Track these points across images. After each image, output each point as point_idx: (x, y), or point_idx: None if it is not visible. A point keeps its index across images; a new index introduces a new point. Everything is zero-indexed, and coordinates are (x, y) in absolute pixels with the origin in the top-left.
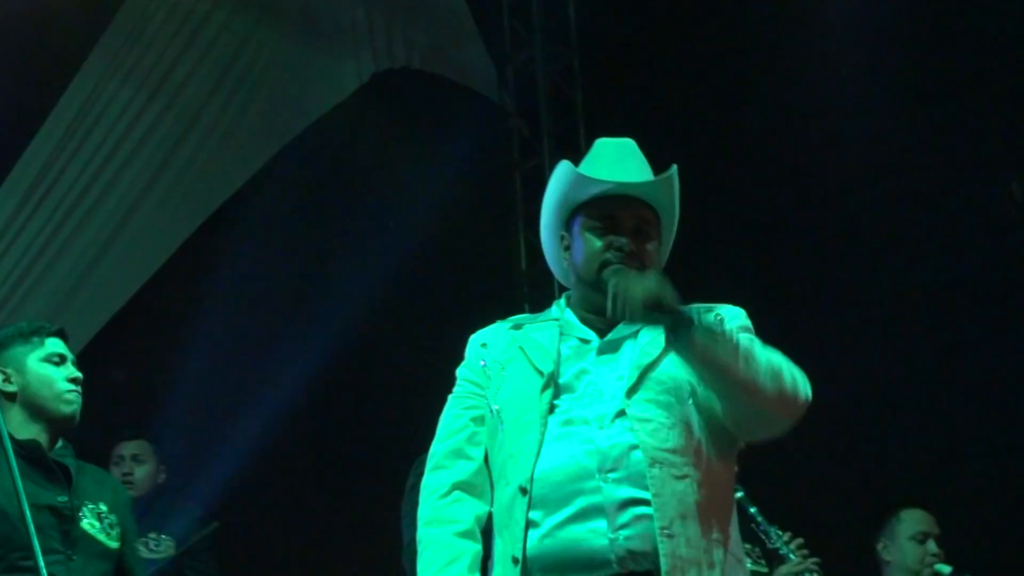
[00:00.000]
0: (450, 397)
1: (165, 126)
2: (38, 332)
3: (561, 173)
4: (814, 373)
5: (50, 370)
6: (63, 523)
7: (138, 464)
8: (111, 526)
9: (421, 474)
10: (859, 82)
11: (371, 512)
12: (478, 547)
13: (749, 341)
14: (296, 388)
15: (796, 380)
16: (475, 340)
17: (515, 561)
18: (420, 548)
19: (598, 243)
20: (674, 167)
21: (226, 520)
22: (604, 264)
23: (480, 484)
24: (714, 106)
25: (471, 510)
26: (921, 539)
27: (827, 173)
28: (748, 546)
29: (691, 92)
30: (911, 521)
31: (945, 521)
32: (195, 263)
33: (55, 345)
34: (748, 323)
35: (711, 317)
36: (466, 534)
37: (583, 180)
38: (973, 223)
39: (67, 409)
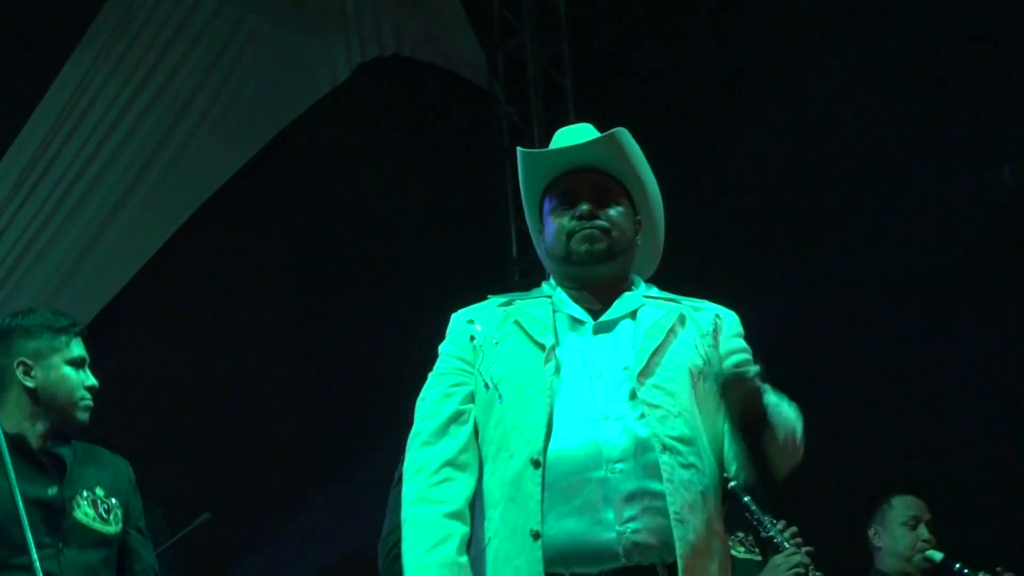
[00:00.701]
0: (431, 374)
1: (156, 113)
2: (67, 331)
3: (519, 160)
4: (807, 360)
5: (72, 375)
6: (53, 516)
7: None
8: (107, 511)
9: None
10: (851, 68)
11: (358, 501)
12: (466, 528)
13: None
14: (286, 377)
15: (800, 436)
16: (460, 316)
17: (535, 536)
18: (406, 527)
19: (562, 218)
20: (621, 129)
21: (216, 511)
22: (570, 234)
23: (469, 462)
24: (704, 92)
25: (461, 490)
26: (912, 525)
27: (819, 160)
28: (741, 534)
29: (681, 78)
30: (902, 507)
31: (937, 507)
32: (187, 252)
33: (79, 348)
34: (742, 330)
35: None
36: (455, 515)
37: (532, 158)
38: (964, 210)
39: (81, 416)
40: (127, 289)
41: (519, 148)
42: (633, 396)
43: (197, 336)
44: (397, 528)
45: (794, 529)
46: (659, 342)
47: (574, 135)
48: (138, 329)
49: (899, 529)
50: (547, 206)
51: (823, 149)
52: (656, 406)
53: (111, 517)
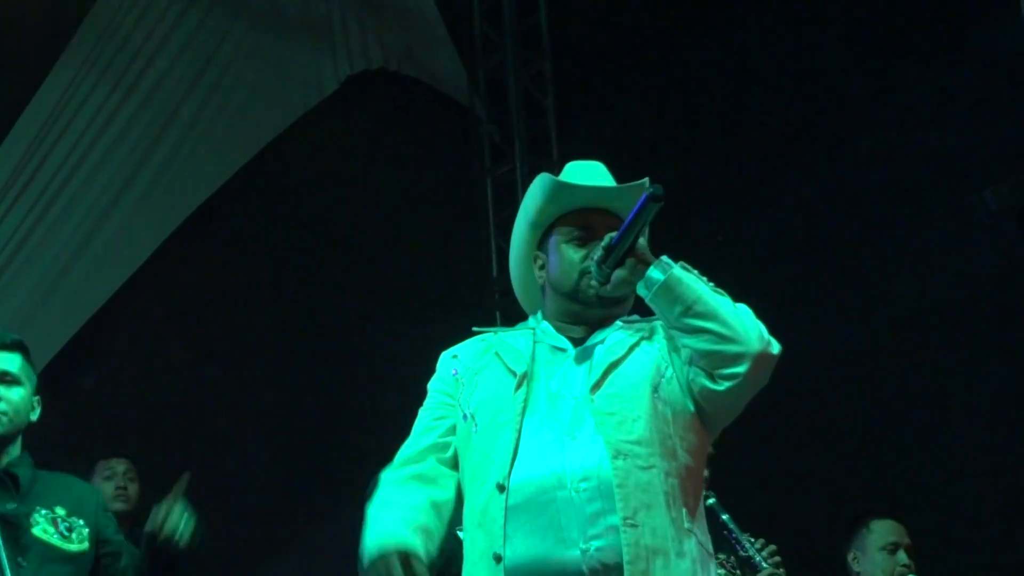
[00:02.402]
0: (420, 410)
1: (141, 125)
2: None
3: (539, 184)
4: (786, 384)
5: None
6: (11, 530)
7: (130, 481)
8: (69, 529)
9: None
10: (829, 85)
11: (337, 520)
12: (433, 520)
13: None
14: (268, 392)
15: (760, 325)
16: (447, 354)
17: (497, 559)
18: (369, 517)
19: (576, 254)
20: (646, 180)
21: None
22: (583, 273)
23: (442, 480)
24: (685, 111)
25: (429, 495)
26: (892, 550)
27: (802, 180)
28: (722, 555)
29: (662, 98)
30: (881, 531)
31: (915, 531)
32: (171, 266)
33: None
34: None
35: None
36: (421, 508)
37: (562, 189)
38: (946, 238)
39: None
40: (111, 302)
41: (549, 175)
42: (589, 410)
43: (179, 351)
44: None
45: (773, 548)
46: (618, 356)
47: (593, 173)
48: (121, 343)
49: (878, 554)
50: (557, 236)
51: (805, 170)
52: (611, 413)
53: (74, 536)
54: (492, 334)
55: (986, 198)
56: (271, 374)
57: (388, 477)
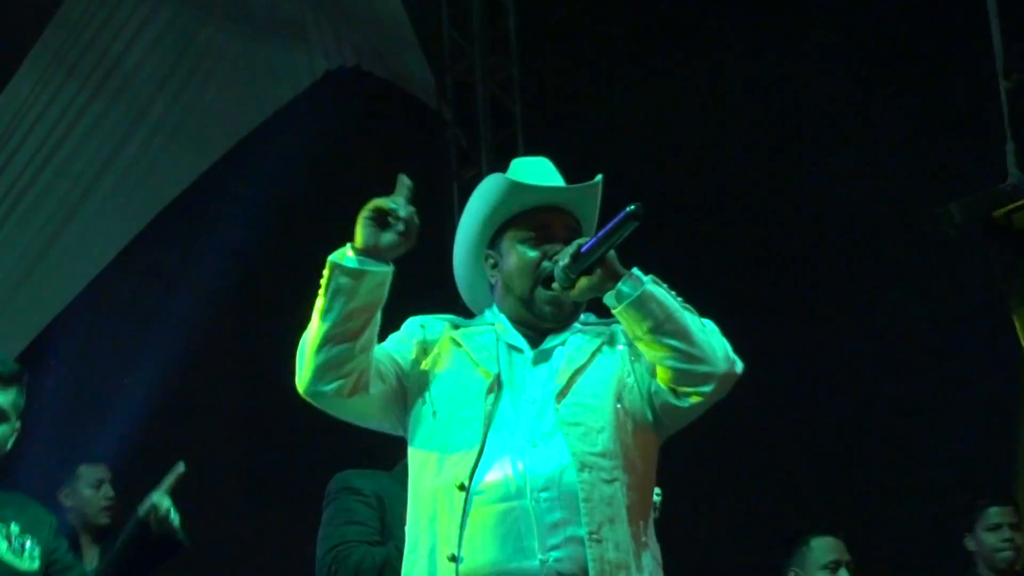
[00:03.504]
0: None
1: (110, 123)
2: None
3: (493, 184)
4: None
5: None
6: None
7: (112, 488)
8: (22, 547)
9: (341, 489)
10: (802, 98)
11: (305, 516)
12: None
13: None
14: (231, 394)
15: (726, 343)
16: (414, 320)
17: (452, 559)
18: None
19: (532, 254)
20: (601, 177)
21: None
22: (540, 276)
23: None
24: (654, 120)
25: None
26: (832, 567)
27: (769, 194)
28: None
29: (631, 106)
30: (822, 549)
31: (855, 549)
32: (139, 263)
33: None
34: None
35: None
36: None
37: (519, 189)
38: (911, 254)
39: None
40: (79, 299)
41: (501, 175)
42: (554, 419)
43: (143, 349)
44: (335, 548)
45: None
46: (581, 364)
47: (540, 170)
48: (87, 340)
49: (819, 573)
50: (511, 236)
51: (767, 175)
52: (576, 424)
53: (26, 554)
54: (454, 324)
55: (952, 211)
56: (238, 372)
57: None
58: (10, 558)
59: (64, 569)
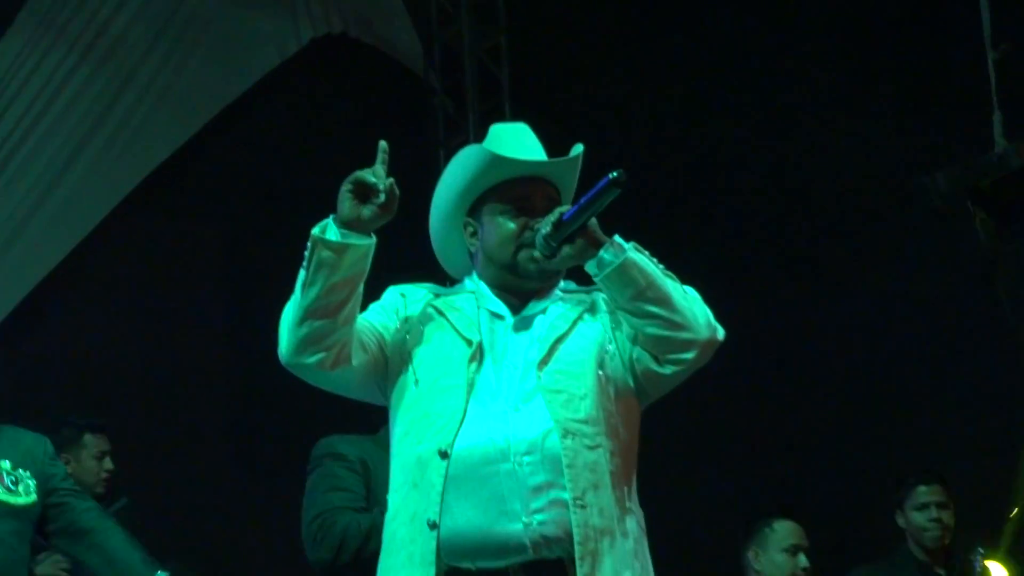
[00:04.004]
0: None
1: (97, 87)
2: None
3: (472, 156)
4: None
5: None
6: None
7: (112, 461)
8: (15, 482)
9: (325, 454)
10: (779, 66)
11: (291, 481)
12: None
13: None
14: (216, 360)
15: (708, 310)
16: (395, 289)
17: (431, 525)
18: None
19: (512, 225)
20: (581, 147)
21: (138, 494)
22: (521, 246)
23: (354, 344)
24: (642, 89)
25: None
26: (792, 551)
27: (758, 165)
28: None
29: (618, 74)
30: (784, 533)
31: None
32: (124, 230)
33: None
34: None
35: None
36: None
37: (499, 162)
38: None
39: None
40: (64, 264)
41: (477, 146)
42: (536, 386)
43: (129, 316)
44: (321, 515)
45: None
46: (563, 331)
47: (518, 135)
48: (73, 305)
49: (779, 555)
50: (491, 206)
51: (756, 145)
52: (558, 391)
53: (20, 488)
54: (433, 291)
55: (937, 181)
56: (225, 338)
57: None
58: (4, 496)
59: (59, 506)
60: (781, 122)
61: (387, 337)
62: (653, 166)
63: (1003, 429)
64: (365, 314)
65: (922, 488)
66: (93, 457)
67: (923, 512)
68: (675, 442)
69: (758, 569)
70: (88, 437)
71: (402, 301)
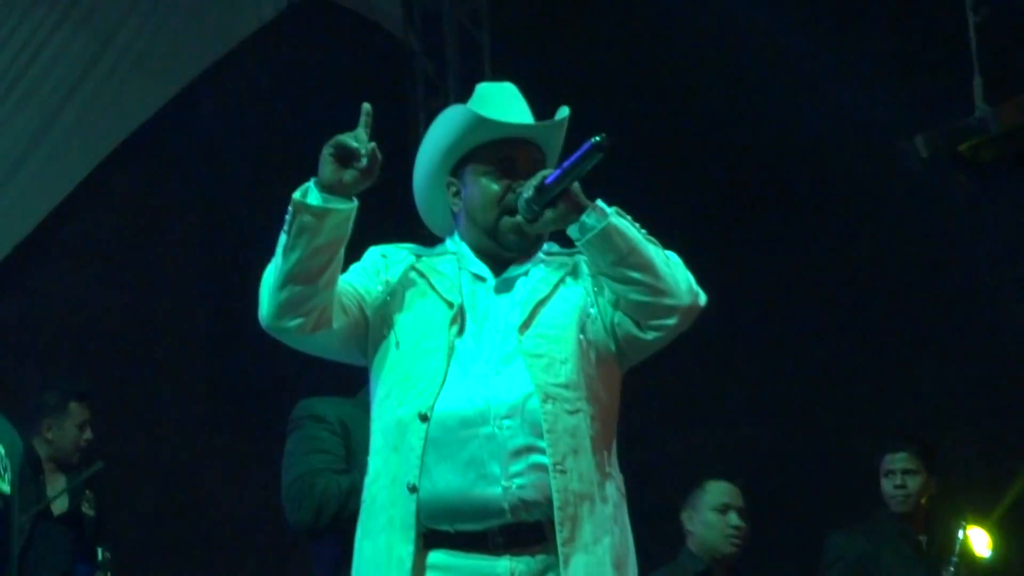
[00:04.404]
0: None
1: (77, 47)
2: None
3: (457, 116)
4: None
5: None
6: None
7: (91, 432)
8: (5, 469)
9: (305, 416)
10: (763, 26)
11: (266, 450)
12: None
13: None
14: (194, 321)
15: (690, 276)
16: (376, 250)
17: (411, 488)
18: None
19: (495, 187)
20: (567, 110)
21: (116, 453)
22: (505, 210)
23: (335, 307)
24: (621, 49)
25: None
26: (723, 510)
27: (733, 120)
28: None
29: (598, 37)
30: (715, 492)
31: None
32: (103, 191)
33: None
34: None
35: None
36: None
37: (484, 124)
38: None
39: None
40: (42, 227)
41: (462, 106)
42: (517, 350)
43: (109, 277)
44: (301, 477)
45: None
46: (544, 295)
47: (505, 95)
48: (51, 268)
49: (710, 514)
50: (474, 167)
51: (737, 112)
52: (539, 355)
53: (6, 475)
54: (414, 252)
55: (916, 145)
56: (204, 299)
57: None
58: None
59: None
60: (763, 86)
61: (368, 299)
62: (636, 128)
63: (990, 394)
64: (346, 276)
65: (888, 456)
66: (76, 426)
67: (889, 479)
68: (656, 406)
69: (691, 530)
70: (74, 406)
71: (383, 262)
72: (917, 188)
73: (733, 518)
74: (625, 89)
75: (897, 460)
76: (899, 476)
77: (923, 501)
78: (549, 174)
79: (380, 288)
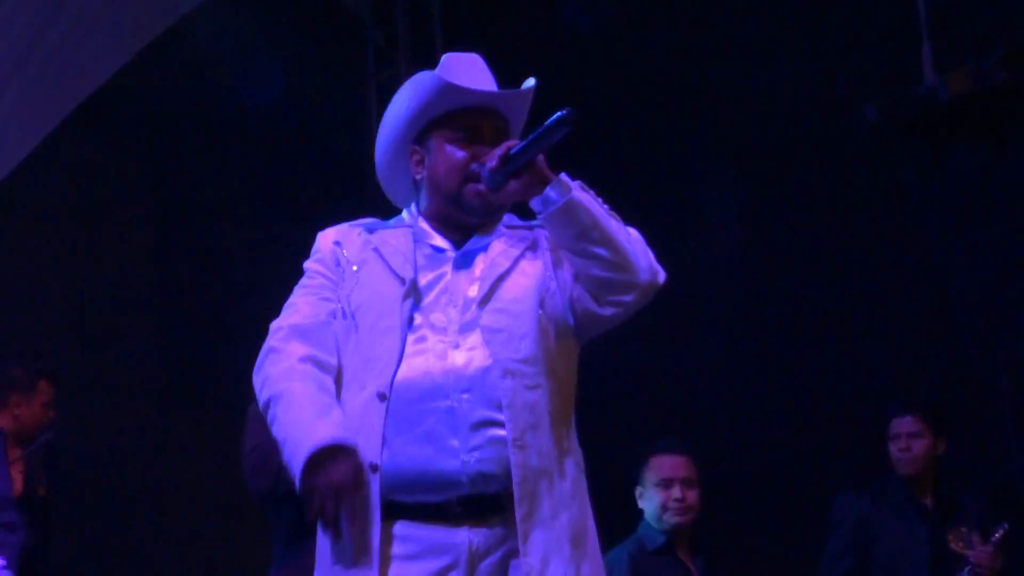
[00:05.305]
0: (298, 287)
1: (30, 10)
2: None
3: (424, 83)
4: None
5: None
6: None
7: (54, 408)
8: None
9: None
10: None
11: (220, 420)
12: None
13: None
14: (143, 293)
15: (650, 253)
16: (326, 237)
17: (373, 468)
18: (280, 407)
19: (460, 154)
20: (534, 81)
21: (69, 426)
22: (468, 177)
23: (331, 367)
24: (574, 19)
25: (328, 379)
26: (666, 484)
27: (689, 91)
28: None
29: (550, 6)
30: (658, 467)
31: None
32: (53, 161)
33: None
34: None
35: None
36: (329, 394)
37: (452, 91)
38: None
39: None
40: None
41: (430, 72)
42: (477, 324)
43: (60, 246)
44: (260, 446)
45: None
46: (504, 269)
47: (472, 65)
48: (4, 238)
49: (654, 490)
50: (440, 134)
51: (694, 83)
52: (499, 331)
53: None
54: (369, 229)
55: (866, 112)
56: (152, 269)
57: (283, 351)
58: None
59: None
60: (716, 53)
61: (334, 302)
62: (589, 100)
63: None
64: (315, 293)
65: (894, 420)
66: (42, 404)
67: (894, 442)
68: (632, 371)
69: (642, 506)
70: (43, 385)
71: (339, 252)
72: (869, 157)
73: (676, 491)
74: (578, 59)
75: (901, 424)
76: (904, 439)
77: (930, 464)
78: (515, 145)
79: (342, 279)
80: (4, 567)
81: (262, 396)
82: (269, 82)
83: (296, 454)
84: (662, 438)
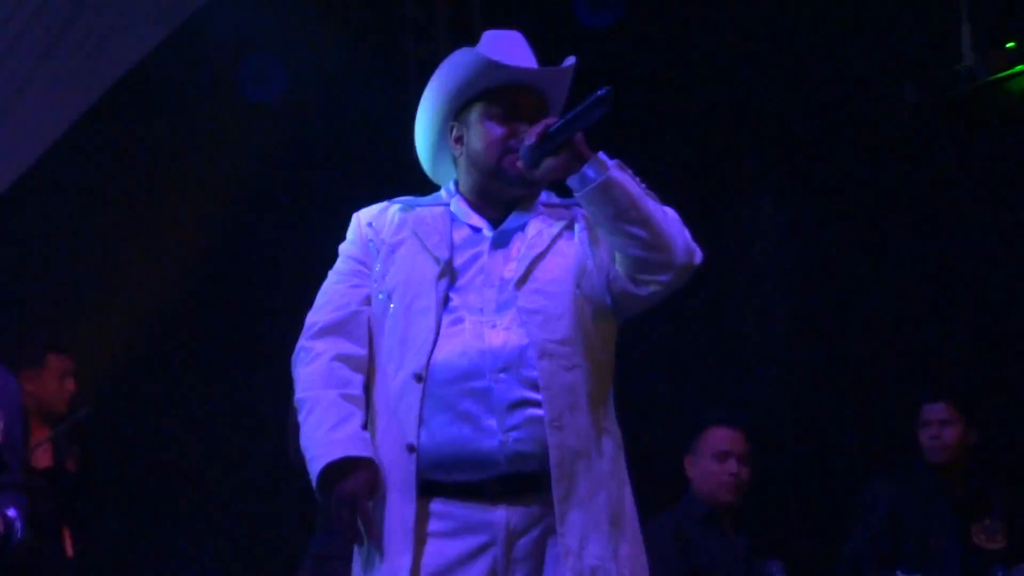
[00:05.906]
0: (332, 272)
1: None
2: None
3: (464, 60)
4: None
5: None
6: None
7: (74, 381)
8: None
9: None
10: None
11: (252, 403)
12: (363, 413)
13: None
14: (181, 276)
15: (687, 232)
16: (360, 219)
17: (410, 449)
18: (305, 411)
19: (499, 130)
20: (574, 59)
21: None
22: (507, 151)
23: (364, 361)
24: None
25: (357, 380)
26: (722, 457)
27: (728, 74)
28: None
29: None
30: (715, 439)
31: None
32: (91, 139)
33: None
34: None
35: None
36: (354, 399)
37: (493, 67)
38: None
39: None
40: (27, 175)
41: (470, 49)
42: (514, 305)
43: (94, 227)
44: None
45: None
46: (541, 250)
47: (513, 42)
48: (36, 217)
49: (709, 461)
50: (480, 109)
51: (723, 59)
52: (536, 311)
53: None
54: (406, 207)
55: (905, 92)
56: (185, 257)
57: (315, 350)
58: None
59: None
60: (754, 37)
61: (368, 287)
62: (627, 82)
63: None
64: (346, 276)
65: (926, 407)
66: (56, 378)
67: (925, 429)
68: (669, 348)
69: (692, 476)
70: (52, 358)
71: (371, 231)
72: (909, 137)
73: (732, 465)
74: (618, 39)
75: (933, 411)
76: (935, 427)
77: (961, 453)
78: (554, 123)
79: (374, 260)
80: (16, 517)
81: (295, 394)
82: (306, 62)
83: (312, 468)
84: (720, 408)
